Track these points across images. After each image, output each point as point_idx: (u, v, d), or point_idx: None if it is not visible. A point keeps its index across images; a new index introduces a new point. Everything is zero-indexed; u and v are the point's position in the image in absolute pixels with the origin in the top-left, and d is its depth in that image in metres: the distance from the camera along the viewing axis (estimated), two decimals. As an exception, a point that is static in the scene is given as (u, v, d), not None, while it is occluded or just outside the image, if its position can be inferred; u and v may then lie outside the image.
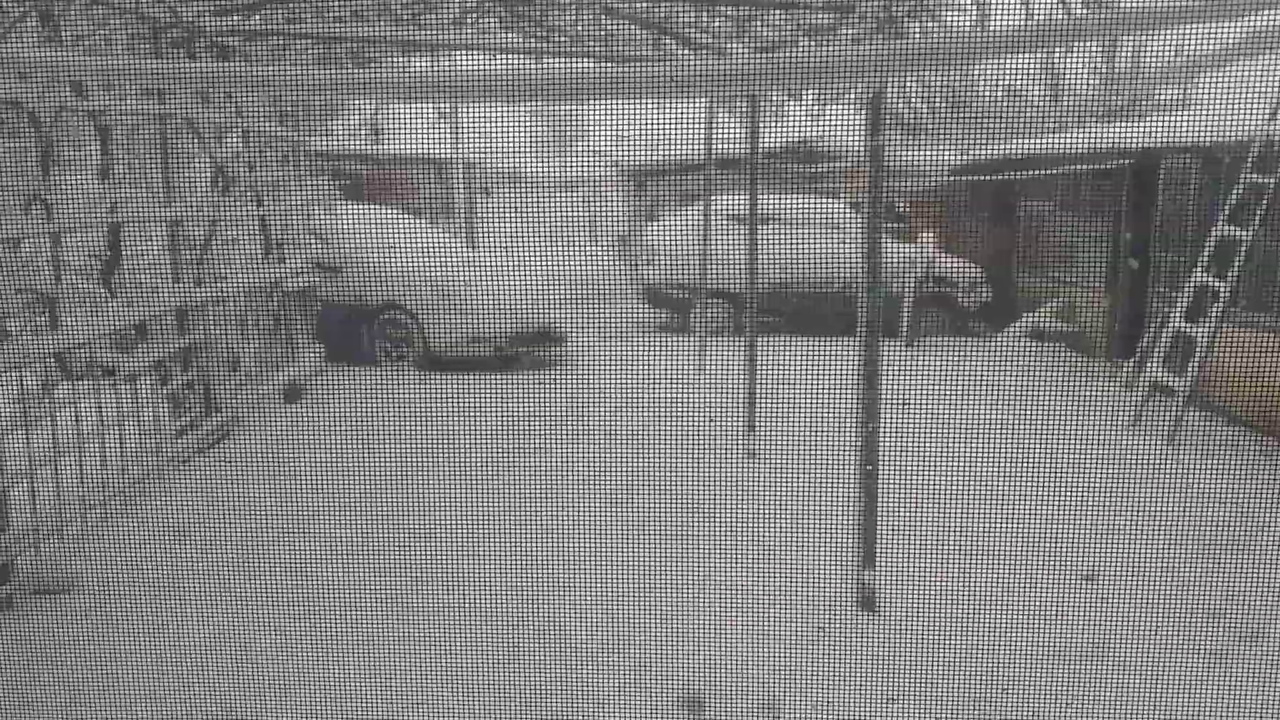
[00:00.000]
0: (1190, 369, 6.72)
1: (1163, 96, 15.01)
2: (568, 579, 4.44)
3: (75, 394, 4.76)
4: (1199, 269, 7.07)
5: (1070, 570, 4.59)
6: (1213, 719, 3.50)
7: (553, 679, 3.65)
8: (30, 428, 4.36)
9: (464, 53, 6.20)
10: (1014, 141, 12.54)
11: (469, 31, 6.54)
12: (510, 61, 6.55)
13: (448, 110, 12.70)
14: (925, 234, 10.60)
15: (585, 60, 6.49)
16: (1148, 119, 12.36)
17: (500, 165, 15.79)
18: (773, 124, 11.52)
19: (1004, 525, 5.14)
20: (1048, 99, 17.21)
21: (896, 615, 4.10)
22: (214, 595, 4.28)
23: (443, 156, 14.41)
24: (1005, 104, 17.62)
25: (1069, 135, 11.33)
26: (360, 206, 9.98)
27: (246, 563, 4.61)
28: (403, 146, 14.61)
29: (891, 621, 4.05)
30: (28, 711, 3.44)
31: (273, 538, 4.88)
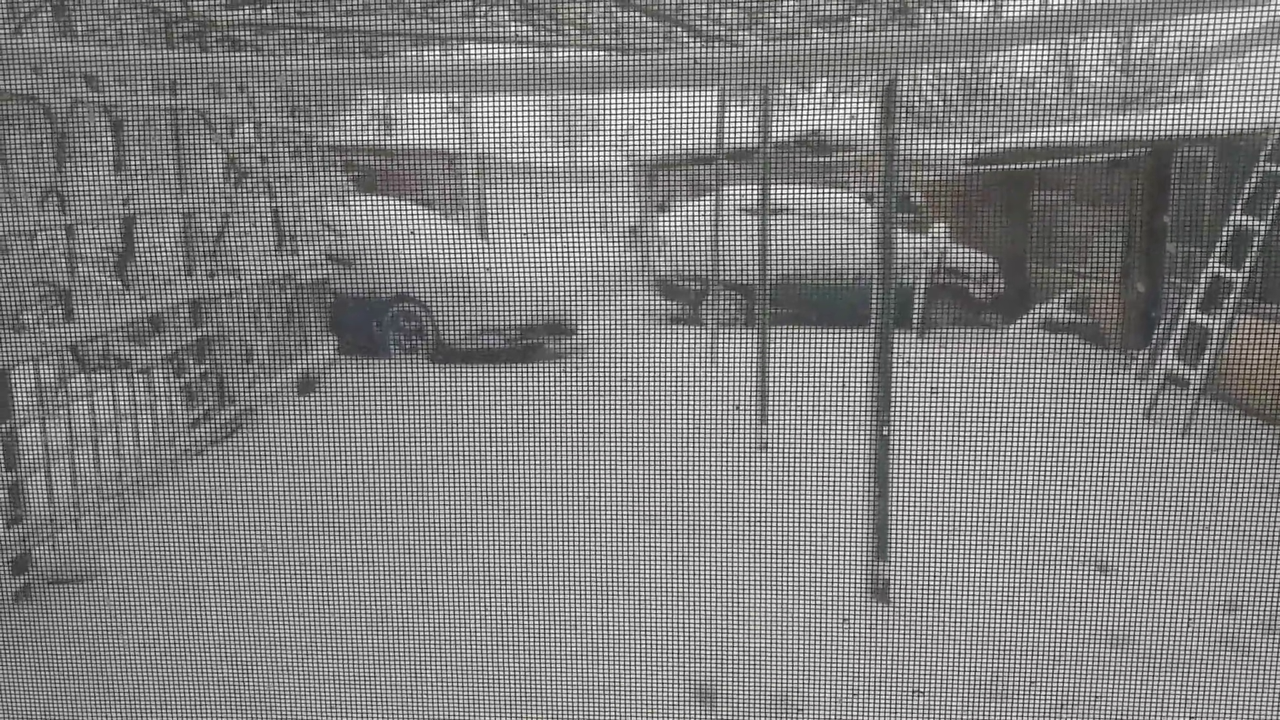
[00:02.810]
0: (1204, 360, 6.67)
1: (1178, 86, 14.89)
2: (578, 570, 4.45)
3: (90, 386, 4.79)
4: (1214, 259, 7.02)
5: (1084, 561, 4.57)
6: (1227, 711, 3.49)
7: (562, 672, 3.66)
8: (46, 419, 4.39)
9: (475, 45, 6.19)
10: (1028, 132, 12.46)
11: (480, 24, 6.53)
12: (522, 53, 6.54)
13: (459, 102, 12.69)
14: (938, 225, 10.56)
15: (596, 52, 6.47)
16: (1163, 109, 12.26)
17: (512, 157, 15.77)
18: (784, 115, 11.48)
19: (1016, 516, 5.12)
20: (1062, 89, 17.09)
21: (910, 606, 4.10)
22: (229, 585, 4.30)
23: (455, 149, 14.40)
24: (1019, 94, 17.51)
25: (1083, 125, 11.26)
26: (372, 198, 10.00)
27: (261, 553, 4.63)
28: (414, 139, 14.61)
29: (904, 613, 4.05)
30: (46, 700, 3.47)
31: (287, 528, 4.90)
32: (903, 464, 4.94)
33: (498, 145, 14.91)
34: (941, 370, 8.48)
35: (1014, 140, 11.96)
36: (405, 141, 14.11)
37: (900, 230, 10.31)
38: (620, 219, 16.06)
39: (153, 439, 5.38)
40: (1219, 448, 6.36)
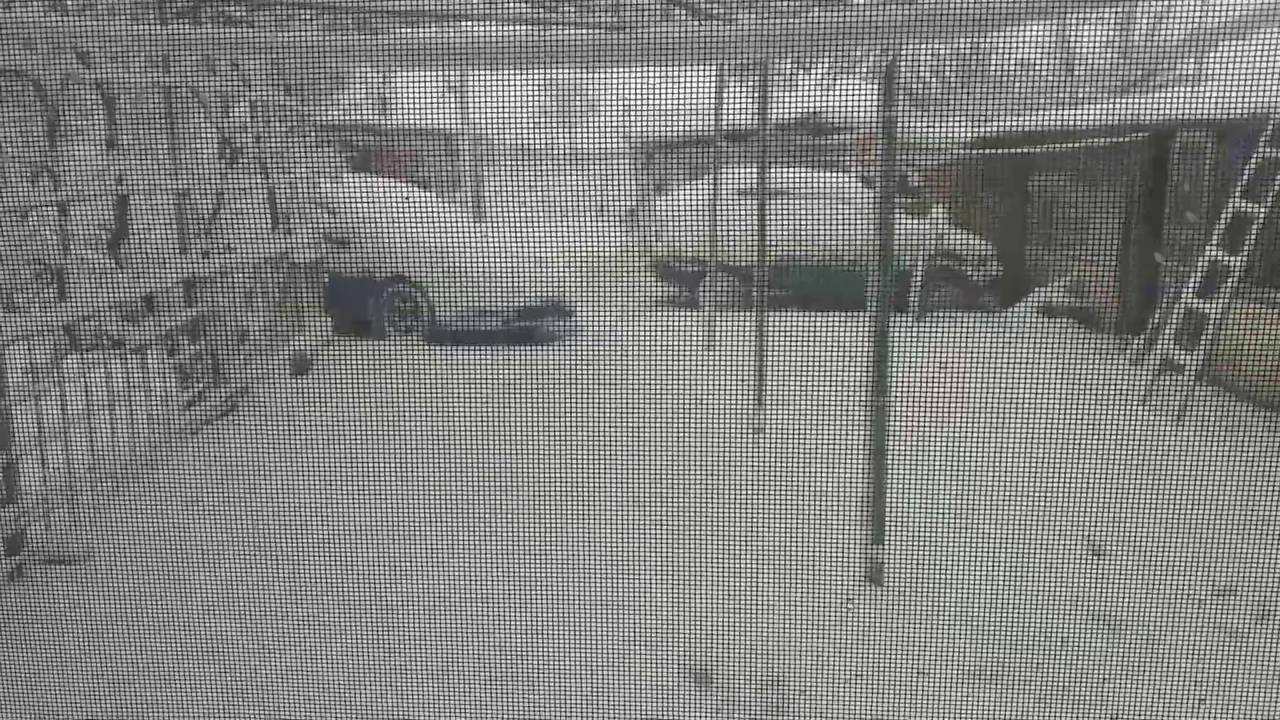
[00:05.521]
0: (1201, 346, 6.67)
1: (1178, 69, 14.83)
2: (576, 549, 4.45)
3: (84, 365, 4.77)
4: (1212, 244, 7.00)
5: (1078, 546, 4.58)
6: (1221, 695, 3.50)
7: (561, 652, 3.67)
8: (40, 399, 4.37)
9: (471, 22, 6.14)
10: (1027, 115, 12.41)
11: (475, 0, 6.46)
12: (518, 29, 6.48)
13: (455, 81, 12.62)
14: (936, 208, 10.52)
15: (594, 29, 6.41)
16: (1163, 92, 12.22)
17: (509, 137, 15.70)
18: (783, 96, 11.42)
19: (1010, 502, 5.13)
20: (1061, 72, 17.02)
21: (904, 590, 4.10)
22: (222, 565, 4.30)
23: (450, 129, 14.33)
24: (1018, 77, 17.43)
25: (1083, 109, 11.21)
26: (368, 178, 9.96)
27: (254, 533, 4.63)
28: (410, 118, 14.54)
29: (899, 596, 4.05)
30: (39, 680, 3.47)
31: (280, 509, 4.89)
32: (899, 454, 4.93)
33: (494, 125, 14.84)
34: (939, 354, 8.48)
35: (1013, 123, 11.91)
36: (401, 121, 14.03)
37: (898, 213, 10.27)
38: (618, 201, 16.01)
39: (147, 419, 5.36)
40: (1214, 433, 6.36)
